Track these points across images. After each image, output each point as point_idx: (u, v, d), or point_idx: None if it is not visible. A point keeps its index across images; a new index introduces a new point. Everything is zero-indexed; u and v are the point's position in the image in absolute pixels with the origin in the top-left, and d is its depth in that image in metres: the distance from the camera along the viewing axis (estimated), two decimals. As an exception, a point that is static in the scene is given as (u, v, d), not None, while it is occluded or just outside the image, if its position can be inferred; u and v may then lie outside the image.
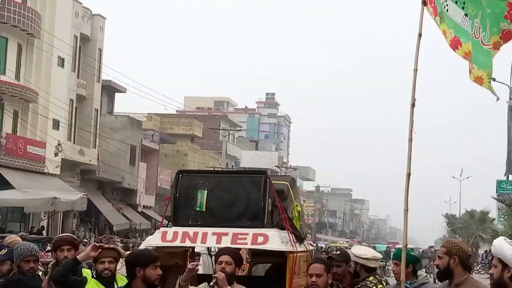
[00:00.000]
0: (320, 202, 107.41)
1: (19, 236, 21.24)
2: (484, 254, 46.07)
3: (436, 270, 6.49)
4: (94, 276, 7.28)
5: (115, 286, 7.03)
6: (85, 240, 29.99)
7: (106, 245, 7.67)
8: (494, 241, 5.35)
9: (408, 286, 6.96)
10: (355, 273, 7.88)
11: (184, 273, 6.62)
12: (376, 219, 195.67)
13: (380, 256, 8.37)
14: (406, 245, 6.88)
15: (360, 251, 8.24)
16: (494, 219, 51.94)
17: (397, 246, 54.15)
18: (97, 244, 7.23)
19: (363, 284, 7.70)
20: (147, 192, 48.01)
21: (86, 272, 7.56)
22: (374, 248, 42.18)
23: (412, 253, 7.50)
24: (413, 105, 6.82)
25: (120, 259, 7.35)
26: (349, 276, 7.87)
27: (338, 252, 8.24)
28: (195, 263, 6.70)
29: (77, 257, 7.00)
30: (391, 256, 8.77)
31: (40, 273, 7.66)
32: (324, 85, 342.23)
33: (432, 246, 60.03)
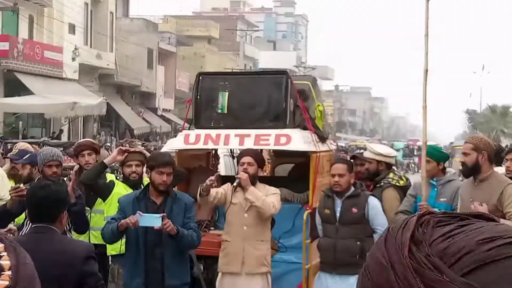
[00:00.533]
0: (339, 101, 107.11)
1: (42, 142, 21.45)
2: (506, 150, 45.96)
3: (456, 166, 6.48)
4: (119, 179, 7.32)
5: None
6: (108, 144, 30.22)
7: (132, 149, 7.70)
8: None
9: (434, 183, 6.93)
10: (377, 171, 7.92)
11: (204, 184, 6.62)
12: (396, 117, 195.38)
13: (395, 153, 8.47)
14: (426, 142, 6.84)
15: (384, 149, 8.24)
16: (516, 113, 51.77)
17: (418, 143, 54.20)
18: (123, 148, 7.27)
19: (386, 181, 7.71)
20: (166, 95, 48.02)
21: (110, 177, 7.62)
22: (392, 146, 42.28)
23: (443, 151, 7.46)
24: (427, -2, 6.68)
25: None
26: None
27: (362, 151, 8.26)
28: (213, 178, 6.66)
29: (104, 161, 7.05)
30: (415, 153, 8.72)
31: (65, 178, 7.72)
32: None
33: (452, 143, 60.01)
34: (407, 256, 0.89)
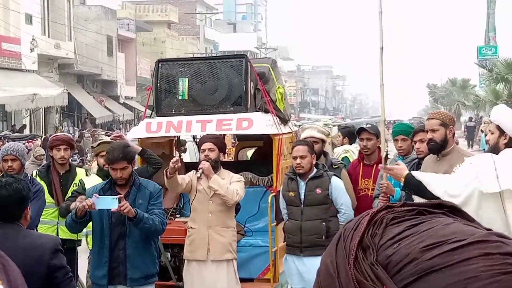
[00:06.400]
0: (302, 81, 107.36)
1: (3, 136, 21.18)
2: (467, 122, 46.46)
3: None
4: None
5: None
6: (70, 134, 29.93)
7: (104, 140, 7.67)
8: (494, 108, 5.33)
9: (401, 161, 6.96)
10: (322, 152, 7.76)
11: (169, 167, 6.60)
12: (358, 94, 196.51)
13: None
14: (385, 120, 6.88)
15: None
16: (475, 86, 52.44)
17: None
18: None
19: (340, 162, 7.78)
20: (127, 82, 47.68)
21: (81, 172, 7.65)
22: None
23: (412, 126, 7.46)
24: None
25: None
26: (378, 151, 7.57)
27: (369, 125, 8.13)
28: (175, 159, 6.65)
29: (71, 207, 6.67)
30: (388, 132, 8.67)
31: (34, 173, 7.61)
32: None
33: (415, 117, 60.46)
34: (352, 266, 0.89)
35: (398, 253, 0.87)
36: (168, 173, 6.57)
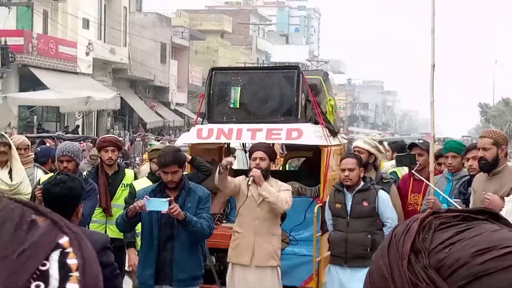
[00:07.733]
0: (352, 95, 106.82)
1: (56, 136, 21.61)
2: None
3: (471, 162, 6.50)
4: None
5: None
6: (120, 138, 30.37)
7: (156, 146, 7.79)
8: None
9: (450, 177, 6.97)
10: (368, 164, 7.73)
11: (223, 161, 6.73)
12: (409, 111, 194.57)
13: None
14: (434, 136, 6.89)
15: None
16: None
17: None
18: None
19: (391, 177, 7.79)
20: (179, 89, 48.15)
21: (130, 173, 7.82)
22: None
23: (463, 143, 7.47)
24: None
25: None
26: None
27: (422, 141, 8.16)
28: (230, 159, 6.79)
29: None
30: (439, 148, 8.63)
31: (85, 172, 7.74)
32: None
33: (465, 136, 59.70)
34: (406, 269, 0.94)
35: (450, 257, 0.93)
36: (221, 168, 6.68)
